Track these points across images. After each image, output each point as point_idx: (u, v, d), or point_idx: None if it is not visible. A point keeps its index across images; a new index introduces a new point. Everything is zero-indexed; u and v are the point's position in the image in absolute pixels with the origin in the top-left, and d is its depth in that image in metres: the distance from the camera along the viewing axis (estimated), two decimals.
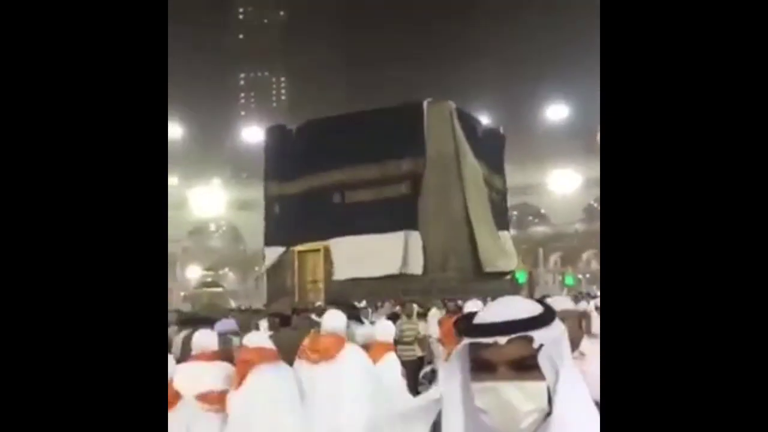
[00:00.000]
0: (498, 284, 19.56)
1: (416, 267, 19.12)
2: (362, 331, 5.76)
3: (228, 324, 5.87)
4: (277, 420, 3.76)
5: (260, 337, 4.29)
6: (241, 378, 3.83)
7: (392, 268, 18.79)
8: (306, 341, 4.57)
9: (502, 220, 23.76)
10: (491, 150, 23.36)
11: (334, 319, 4.57)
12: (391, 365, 4.98)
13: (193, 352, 4.39)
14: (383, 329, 5.36)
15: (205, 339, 4.43)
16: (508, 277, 21.78)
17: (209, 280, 38.23)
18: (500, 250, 20.52)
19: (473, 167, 20.47)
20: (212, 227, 64.93)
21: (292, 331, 6.63)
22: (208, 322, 6.75)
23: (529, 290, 20.68)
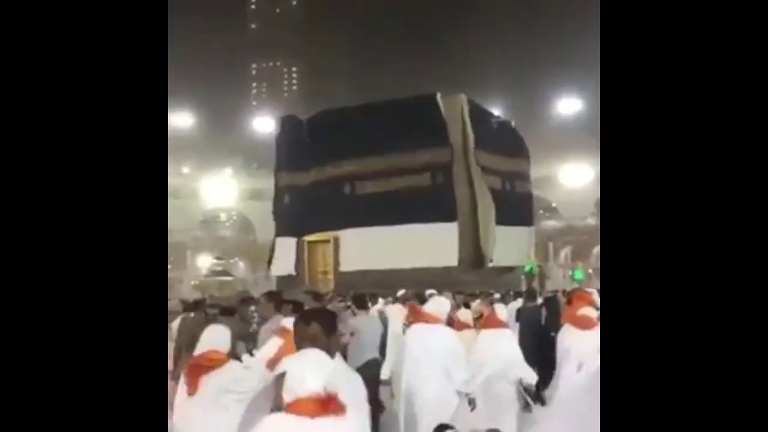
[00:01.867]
0: (509, 278, 19.52)
1: (451, 259, 18.74)
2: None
3: None
4: None
5: None
6: None
7: (424, 260, 18.08)
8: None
9: (526, 208, 23.51)
10: (509, 139, 23.16)
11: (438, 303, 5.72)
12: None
13: (200, 350, 3.90)
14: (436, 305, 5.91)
15: (218, 337, 3.95)
16: (527, 269, 21.58)
17: (219, 269, 38.37)
18: (503, 245, 20.32)
19: (483, 160, 20.37)
20: (223, 217, 65.08)
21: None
22: (228, 312, 6.63)
23: (540, 284, 20.57)
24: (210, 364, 3.75)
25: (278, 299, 6.18)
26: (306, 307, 6.64)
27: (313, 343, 2.77)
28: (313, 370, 2.59)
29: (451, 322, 6.56)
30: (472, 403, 5.23)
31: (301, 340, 2.87)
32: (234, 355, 4.09)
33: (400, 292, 11.90)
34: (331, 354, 2.77)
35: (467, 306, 7.57)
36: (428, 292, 11.42)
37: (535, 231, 24.68)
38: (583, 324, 5.92)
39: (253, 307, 6.98)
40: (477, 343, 6.25)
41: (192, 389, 3.67)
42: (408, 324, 5.75)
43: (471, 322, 6.84)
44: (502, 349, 6.20)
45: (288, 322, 4.56)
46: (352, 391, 2.61)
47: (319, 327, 2.85)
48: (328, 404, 2.50)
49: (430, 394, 5.15)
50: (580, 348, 5.49)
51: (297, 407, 2.51)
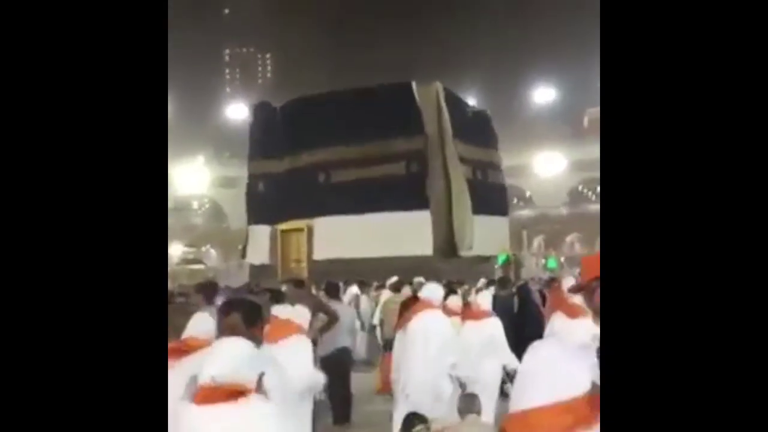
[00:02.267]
0: (483, 267, 19.62)
1: (426, 248, 18.68)
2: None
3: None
4: None
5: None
6: None
7: (398, 248, 17.79)
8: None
9: (500, 198, 23.66)
10: (483, 129, 23.28)
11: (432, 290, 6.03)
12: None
13: (185, 336, 3.82)
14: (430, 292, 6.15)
15: (202, 324, 3.81)
16: (501, 259, 21.71)
17: (191, 257, 38.07)
18: (478, 234, 20.41)
19: (458, 149, 20.42)
20: (195, 204, 64.56)
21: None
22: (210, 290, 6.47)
23: (515, 272, 20.70)
24: (186, 348, 3.72)
25: (210, 291, 6.12)
26: (287, 295, 6.68)
27: (233, 332, 2.83)
28: (220, 359, 2.59)
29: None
30: (462, 387, 5.38)
31: (222, 329, 2.96)
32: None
33: (392, 280, 12.06)
34: (256, 343, 2.80)
35: (454, 292, 7.67)
36: (416, 279, 11.56)
37: (508, 221, 24.82)
38: (574, 313, 5.98)
39: (183, 299, 6.99)
40: (463, 331, 6.37)
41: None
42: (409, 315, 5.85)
43: (460, 309, 6.92)
44: (487, 336, 6.38)
45: (276, 309, 4.88)
46: (270, 379, 2.62)
47: (240, 317, 2.95)
48: (222, 392, 2.49)
49: (427, 376, 5.39)
50: (571, 337, 5.57)
51: (200, 395, 2.52)
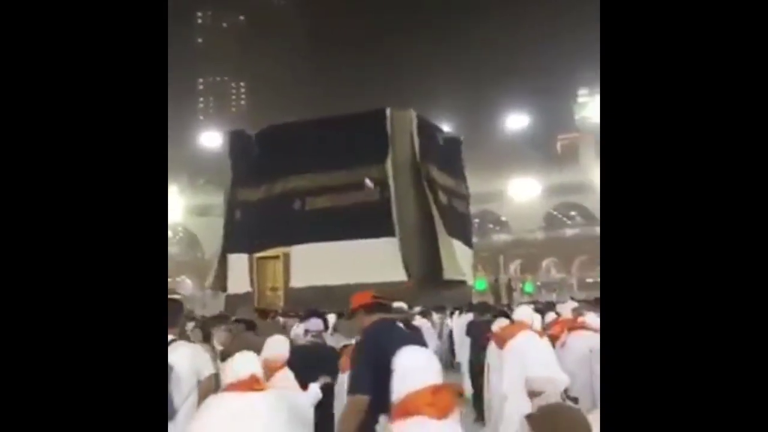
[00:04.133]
0: (456, 292, 19.61)
1: (397, 273, 18.59)
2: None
3: (316, 323, 5.88)
4: None
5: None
6: None
7: (372, 275, 17.00)
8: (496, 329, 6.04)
9: (466, 227, 23.84)
10: (453, 157, 23.49)
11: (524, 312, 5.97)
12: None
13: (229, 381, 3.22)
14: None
15: (247, 365, 3.22)
16: (478, 286, 21.80)
17: None
18: (454, 258, 20.48)
19: (430, 175, 20.55)
20: (170, 233, 64.01)
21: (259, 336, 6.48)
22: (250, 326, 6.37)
23: (495, 297, 20.74)
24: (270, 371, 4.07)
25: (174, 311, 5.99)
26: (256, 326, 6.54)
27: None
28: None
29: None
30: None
31: None
32: None
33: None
34: None
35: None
36: (396, 305, 11.52)
37: (480, 244, 25.01)
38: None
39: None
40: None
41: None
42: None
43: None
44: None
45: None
46: None
47: None
48: None
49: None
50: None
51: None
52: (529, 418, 1.95)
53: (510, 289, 23.27)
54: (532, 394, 4.61)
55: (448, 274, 19.65)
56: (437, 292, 18.28)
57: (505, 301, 15.90)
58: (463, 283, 21.18)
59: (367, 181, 19.42)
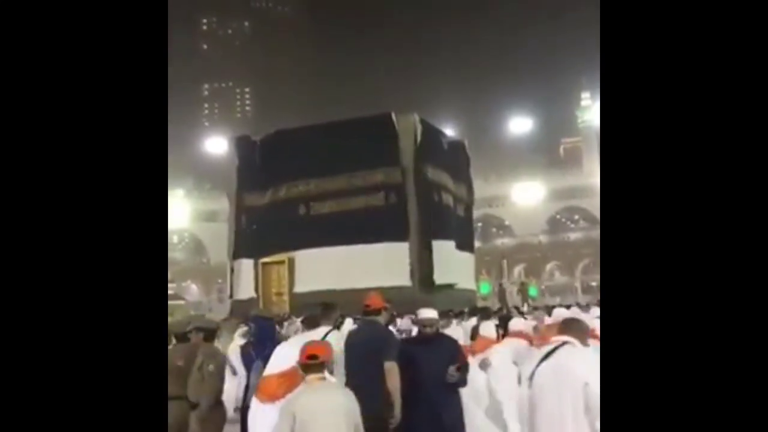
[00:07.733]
0: (463, 296, 19.58)
1: (404, 278, 18.62)
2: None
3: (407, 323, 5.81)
4: None
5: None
6: None
7: (378, 280, 16.60)
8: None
9: (467, 232, 23.77)
10: (456, 161, 23.43)
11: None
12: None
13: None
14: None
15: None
16: (482, 290, 21.63)
17: (171, 292, 37.53)
18: (448, 263, 20.33)
19: (433, 179, 20.51)
20: (175, 239, 63.97)
21: None
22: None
23: (500, 301, 20.63)
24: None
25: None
26: None
27: None
28: None
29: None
30: None
31: None
32: None
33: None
34: None
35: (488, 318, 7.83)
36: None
37: (483, 248, 24.87)
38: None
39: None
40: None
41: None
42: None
43: (494, 336, 6.86)
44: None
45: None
46: None
47: None
48: None
49: None
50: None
51: None
52: None
53: (503, 295, 23.08)
54: None
55: (440, 278, 19.53)
56: (440, 296, 18.26)
57: (512, 304, 15.82)
58: (451, 287, 20.98)
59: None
